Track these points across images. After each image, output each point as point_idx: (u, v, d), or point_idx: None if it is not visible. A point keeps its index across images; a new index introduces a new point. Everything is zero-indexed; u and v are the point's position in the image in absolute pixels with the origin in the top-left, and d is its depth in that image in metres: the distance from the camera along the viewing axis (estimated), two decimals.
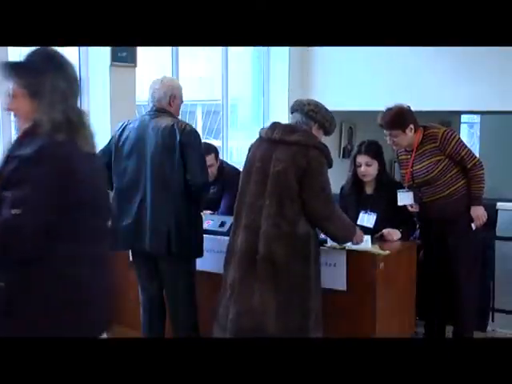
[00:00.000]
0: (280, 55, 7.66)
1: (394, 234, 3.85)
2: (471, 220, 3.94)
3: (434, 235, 4.03)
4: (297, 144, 3.22)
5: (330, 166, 3.31)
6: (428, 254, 4.10)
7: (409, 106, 3.98)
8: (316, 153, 3.22)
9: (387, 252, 3.59)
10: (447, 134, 3.90)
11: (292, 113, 3.43)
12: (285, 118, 7.28)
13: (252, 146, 3.44)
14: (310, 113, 3.32)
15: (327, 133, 3.43)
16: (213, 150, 4.57)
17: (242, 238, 3.28)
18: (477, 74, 6.58)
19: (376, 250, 3.58)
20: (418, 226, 4.15)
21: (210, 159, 4.41)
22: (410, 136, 3.92)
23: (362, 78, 7.33)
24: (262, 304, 3.20)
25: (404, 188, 4.00)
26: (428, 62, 6.82)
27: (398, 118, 3.90)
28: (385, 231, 3.84)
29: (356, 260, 3.48)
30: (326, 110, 3.38)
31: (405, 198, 3.98)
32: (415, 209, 4.00)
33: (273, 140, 3.28)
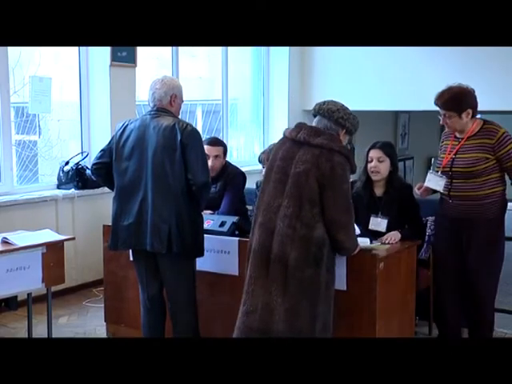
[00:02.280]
0: (280, 55, 7.66)
1: (393, 236, 3.83)
2: (499, 226, 3.77)
3: (453, 233, 3.80)
4: (321, 147, 3.19)
5: (354, 171, 3.30)
6: (443, 253, 3.91)
7: (473, 89, 3.64)
8: (341, 159, 3.19)
9: (386, 246, 3.69)
10: (506, 136, 3.67)
11: (315, 115, 3.37)
12: (285, 117, 7.31)
13: (275, 145, 3.45)
14: (340, 120, 3.30)
15: (350, 136, 3.44)
16: (222, 143, 4.63)
17: (257, 236, 3.27)
18: (477, 74, 6.57)
19: (377, 246, 3.67)
20: (430, 227, 4.07)
21: (217, 150, 4.48)
22: (465, 121, 3.62)
23: (362, 79, 7.32)
24: (271, 304, 3.18)
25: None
26: (428, 61, 6.81)
27: (457, 99, 3.59)
28: (383, 237, 3.83)
29: (356, 260, 3.48)
30: (354, 116, 3.36)
31: (434, 182, 3.75)
32: (422, 192, 3.82)
33: (297, 141, 3.26)
